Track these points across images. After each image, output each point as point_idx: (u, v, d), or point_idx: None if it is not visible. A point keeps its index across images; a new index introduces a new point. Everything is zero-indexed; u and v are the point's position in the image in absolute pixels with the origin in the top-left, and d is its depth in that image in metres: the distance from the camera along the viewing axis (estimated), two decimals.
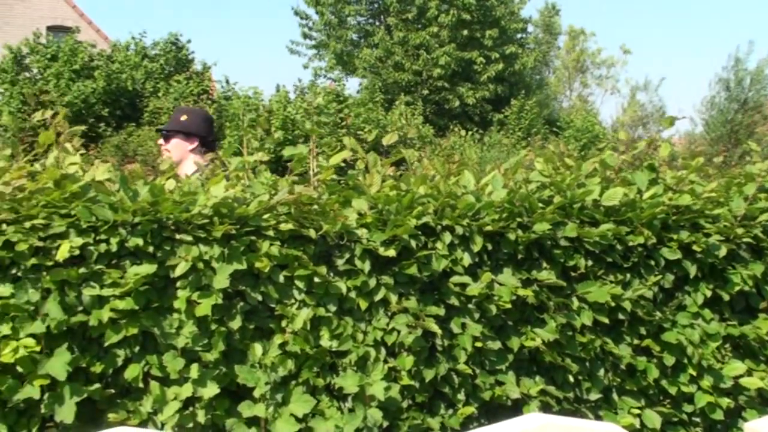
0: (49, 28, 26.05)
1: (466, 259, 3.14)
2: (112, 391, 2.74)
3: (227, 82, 22.68)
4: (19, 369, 2.63)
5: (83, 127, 3.59)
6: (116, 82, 19.01)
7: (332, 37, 32.27)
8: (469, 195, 3.30)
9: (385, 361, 2.99)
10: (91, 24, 28.12)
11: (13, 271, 2.72)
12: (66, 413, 2.64)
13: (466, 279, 3.11)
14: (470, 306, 3.13)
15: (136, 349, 2.76)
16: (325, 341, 2.91)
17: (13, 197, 2.82)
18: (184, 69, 22.20)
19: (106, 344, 2.71)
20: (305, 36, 33.25)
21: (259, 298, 2.88)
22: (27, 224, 2.73)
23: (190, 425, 2.75)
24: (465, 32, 29.69)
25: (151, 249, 2.81)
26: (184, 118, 4.65)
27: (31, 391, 2.64)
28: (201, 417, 2.75)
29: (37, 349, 2.64)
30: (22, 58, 19.08)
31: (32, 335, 2.65)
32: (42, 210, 2.78)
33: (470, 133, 25.53)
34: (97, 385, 2.70)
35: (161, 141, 4.68)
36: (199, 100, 19.10)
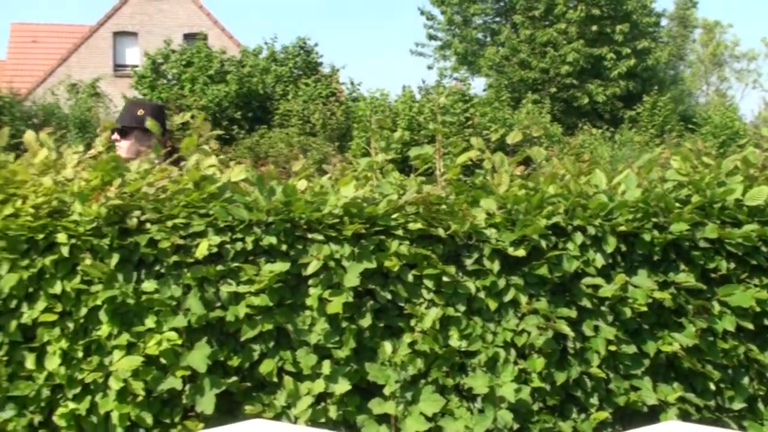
0: (186, 36, 27.26)
1: (599, 260, 3.06)
2: (249, 384, 2.84)
3: (353, 84, 23.07)
4: (163, 361, 2.77)
5: (220, 132, 3.73)
6: (247, 85, 19.69)
7: (457, 36, 32.21)
8: (601, 194, 3.21)
9: (515, 363, 2.95)
10: (224, 31, 29.23)
11: (157, 268, 2.87)
12: (206, 404, 2.76)
13: (599, 280, 3.03)
14: (603, 308, 3.04)
15: (271, 344, 2.84)
16: (454, 341, 2.91)
17: (156, 198, 2.96)
18: (313, 72, 22.73)
19: (243, 339, 2.81)
20: (430, 37, 33.34)
21: (389, 296, 2.91)
22: (169, 223, 2.87)
23: (323, 420, 2.81)
24: (594, 28, 28.96)
25: (284, 247, 2.88)
26: (140, 112, 4.50)
27: (174, 382, 2.77)
28: (333, 412, 2.81)
29: (179, 342, 2.77)
30: (160, 64, 20.05)
31: (175, 329, 2.79)
32: (183, 210, 2.91)
33: (600, 131, 24.87)
34: (234, 378, 2.80)
35: (116, 136, 4.46)
36: (327, 102, 19.51)
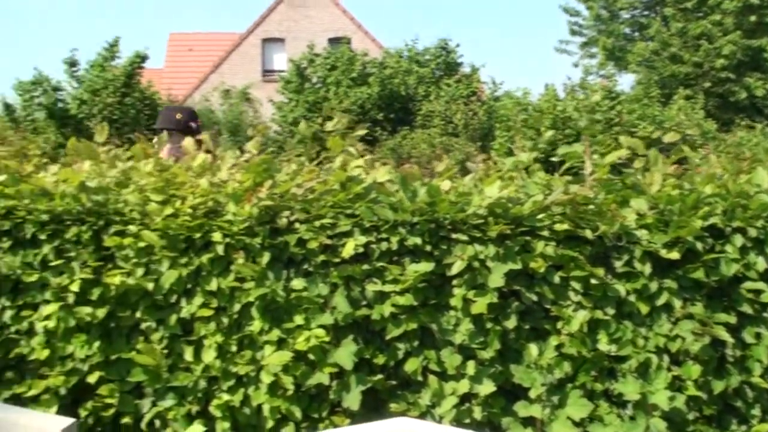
0: (330, 40, 27.93)
1: (761, 264, 2.89)
2: (394, 382, 2.87)
3: (494, 83, 22.88)
4: (311, 357, 2.84)
5: (364, 132, 3.79)
6: (389, 87, 19.92)
7: (603, 32, 31.26)
8: (763, 194, 3.03)
9: (669, 369, 2.83)
10: (367, 34, 29.73)
11: (305, 267, 2.95)
12: (352, 400, 2.81)
13: (761, 285, 2.86)
14: (765, 314, 2.87)
15: (416, 343, 2.86)
16: (603, 345, 2.82)
17: (304, 198, 3.05)
18: (454, 72, 22.72)
19: (388, 337, 2.84)
20: (573, 33, 32.55)
21: (534, 298, 2.86)
22: (317, 223, 2.95)
23: (467, 421, 2.80)
24: (753, 18, 27.34)
25: (428, 248, 2.90)
26: (178, 116, 4.71)
27: (322, 377, 2.84)
28: (477, 413, 2.79)
29: (327, 339, 2.84)
30: (304, 69, 20.63)
31: (322, 326, 2.86)
32: (330, 210, 2.98)
33: (761, 126, 23.44)
34: (379, 376, 2.84)
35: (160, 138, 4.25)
36: (468, 102, 19.46)
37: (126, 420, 2.94)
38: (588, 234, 2.87)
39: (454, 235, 2.91)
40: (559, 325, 2.85)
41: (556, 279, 2.87)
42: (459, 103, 19.06)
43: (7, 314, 2.98)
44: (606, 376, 2.85)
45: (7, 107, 15.38)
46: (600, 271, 2.85)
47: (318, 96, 18.98)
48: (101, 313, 2.93)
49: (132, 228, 2.97)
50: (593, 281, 2.85)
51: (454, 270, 2.85)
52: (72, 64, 15.87)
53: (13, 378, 2.98)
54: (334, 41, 27.39)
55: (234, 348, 2.92)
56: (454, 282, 2.89)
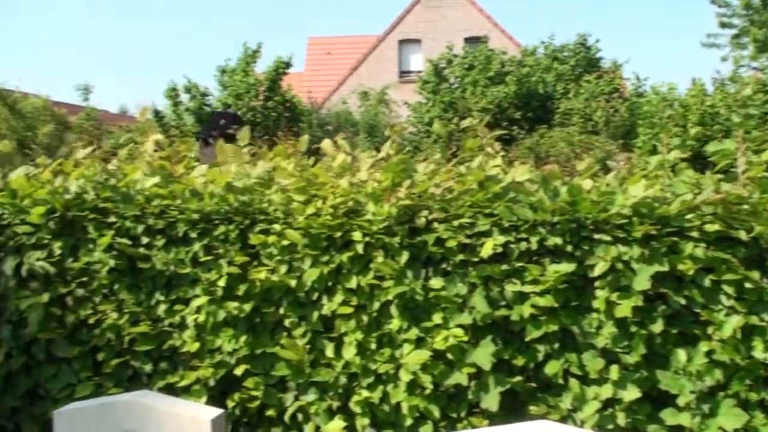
0: (466, 40, 27.82)
1: None
2: (533, 384, 2.82)
3: (638, 78, 22.07)
4: (450, 356, 2.84)
5: (502, 132, 3.76)
6: (527, 85, 19.61)
7: (756, 22, 29.55)
8: None
9: None
10: (504, 32, 29.41)
11: (444, 266, 2.95)
12: (491, 401, 2.79)
13: None
14: None
15: (556, 345, 2.80)
16: (759, 353, 2.66)
17: (443, 198, 3.05)
18: (594, 68, 22.10)
19: (527, 339, 2.80)
20: (723, 25, 30.94)
21: (683, 301, 2.74)
22: (455, 223, 2.94)
23: (610, 426, 2.71)
24: None
25: (569, 248, 2.83)
26: (222, 122, 4.94)
27: (460, 377, 2.83)
28: (621, 419, 2.70)
29: (465, 338, 2.83)
30: (442, 69, 20.63)
31: (460, 326, 2.85)
32: (468, 210, 2.96)
33: None
34: (518, 378, 2.80)
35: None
36: (610, 98, 18.87)
37: (270, 412, 3.04)
38: (742, 235, 2.72)
39: (596, 236, 2.83)
40: (710, 330, 2.71)
41: (707, 282, 2.73)
42: (599, 100, 18.51)
43: (162, 308, 3.14)
44: (762, 385, 2.69)
45: (157, 113, 16.25)
46: (755, 275, 2.69)
47: (454, 96, 18.95)
48: (247, 308, 3.04)
49: (276, 227, 3.07)
50: (747, 285, 2.70)
51: (597, 271, 2.77)
52: (224, 71, 16.58)
53: (166, 369, 3.15)
54: (470, 40, 27.25)
55: (373, 345, 2.96)
56: (597, 284, 2.80)
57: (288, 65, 16.39)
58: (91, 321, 3.14)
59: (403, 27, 30.51)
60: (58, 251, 3.19)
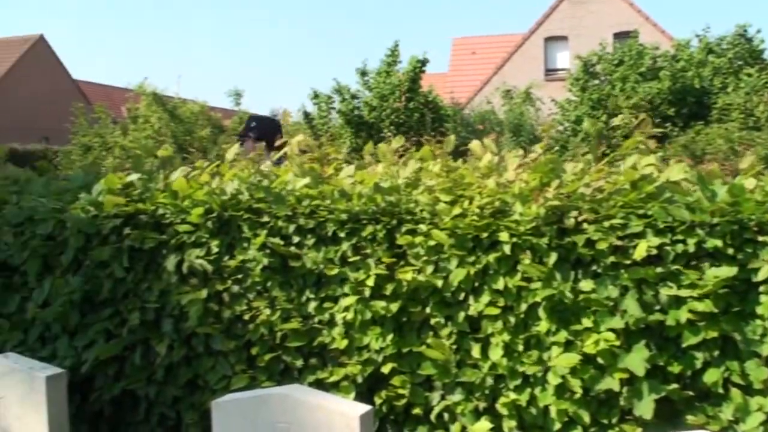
0: (616, 35, 26.96)
1: None
2: (691, 393, 2.69)
3: None
4: (600, 360, 2.76)
5: (657, 130, 3.61)
6: (681, 81, 18.77)
7: None
8: None
9: None
10: (656, 26, 28.28)
11: (594, 268, 2.87)
12: (644, 408, 2.68)
13: None
14: None
15: (716, 353, 2.67)
16: None
17: (593, 198, 2.96)
18: (756, 61, 20.85)
19: (684, 345, 2.68)
20: None
21: None
22: (606, 224, 2.85)
23: None
24: None
25: (731, 251, 2.68)
26: (253, 125, 5.55)
27: (611, 382, 2.75)
28: None
29: (617, 343, 2.74)
30: (592, 65, 20.09)
31: (612, 329, 2.76)
32: (620, 210, 2.87)
33: None
34: (674, 385, 2.68)
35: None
36: None
37: (416, 411, 3.07)
38: None
39: (760, 238, 2.67)
40: None
41: None
42: (762, 94, 17.45)
43: (312, 305, 3.23)
44: None
45: (306, 115, 16.73)
46: None
47: (603, 93, 18.41)
48: (394, 307, 3.07)
49: (422, 227, 3.09)
50: None
51: (761, 275, 2.61)
52: (363, 73, 16.88)
53: (316, 364, 3.23)
54: (619, 36, 26.40)
55: (521, 347, 2.92)
56: (761, 288, 2.64)
57: (424, 63, 16.43)
58: (246, 317, 3.28)
59: (549, 24, 29.98)
60: (215, 249, 3.35)
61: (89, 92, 38.71)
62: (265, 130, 5.70)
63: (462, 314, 3.02)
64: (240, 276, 3.32)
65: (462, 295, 3.03)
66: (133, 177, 3.61)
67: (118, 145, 16.04)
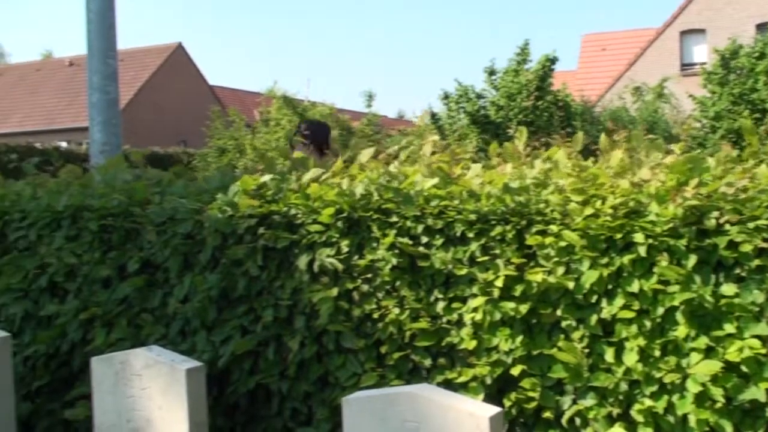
0: (758, 26, 25.61)
1: None
2: None
3: None
4: (744, 369, 2.62)
5: None
6: None
7: None
8: None
9: None
10: None
11: (737, 271, 2.73)
12: None
13: None
14: None
15: None
16: None
17: (735, 198, 2.82)
18: None
19: None
20: None
21: None
22: (751, 225, 2.71)
23: None
24: None
25: None
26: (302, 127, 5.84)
27: (756, 392, 2.61)
28: None
29: (762, 351, 2.60)
30: (729, 59, 19.16)
31: (757, 336, 2.62)
32: (765, 211, 2.72)
33: None
34: None
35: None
36: None
37: (547, 414, 3.01)
38: None
39: None
40: None
41: None
42: None
43: (440, 305, 3.23)
44: None
45: (433, 116, 16.77)
46: None
47: (744, 87, 17.50)
48: (524, 308, 3.03)
49: (553, 227, 3.03)
50: None
51: None
52: (491, 72, 16.75)
53: (444, 364, 3.23)
54: (762, 27, 25.07)
55: (657, 353, 2.81)
56: None
57: (554, 62, 16.11)
58: (375, 315, 3.32)
59: (686, 17, 28.82)
60: (345, 249, 3.40)
61: (223, 96, 40.33)
62: (316, 135, 5.86)
63: (594, 317, 2.94)
64: (369, 275, 3.37)
65: (594, 298, 2.95)
66: (267, 178, 3.73)
67: (250, 147, 16.60)
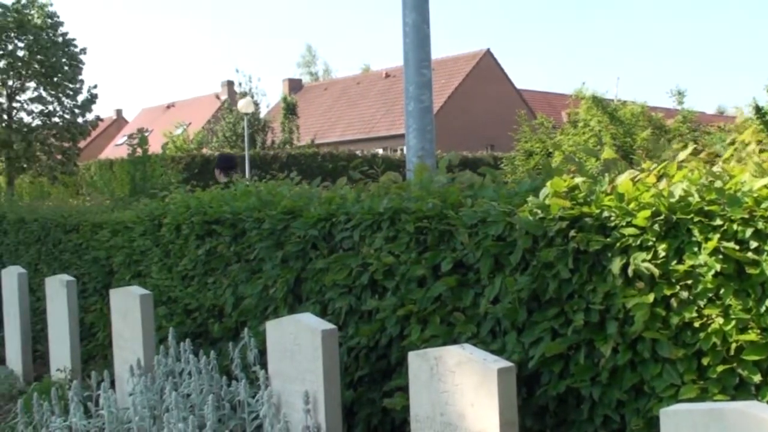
0: None
1: None
2: None
3: None
4: None
5: None
6: None
7: None
8: None
9: None
10: None
11: None
12: None
13: None
14: None
15: None
16: None
17: None
18: None
19: None
20: None
21: None
22: None
23: None
24: None
25: None
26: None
27: None
28: None
29: None
30: None
31: None
32: None
33: None
34: None
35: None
36: None
37: None
38: None
39: None
40: None
41: None
42: None
43: None
44: None
45: (758, 110, 15.32)
46: None
47: None
48: None
49: None
50: None
51: None
52: None
53: None
54: None
55: None
56: None
57: None
58: (696, 324, 3.11)
59: None
60: (662, 253, 3.24)
61: (531, 100, 40.52)
62: (224, 163, 9.43)
63: None
64: (689, 281, 3.17)
65: None
66: (578, 180, 3.67)
67: (558, 148, 16.48)
